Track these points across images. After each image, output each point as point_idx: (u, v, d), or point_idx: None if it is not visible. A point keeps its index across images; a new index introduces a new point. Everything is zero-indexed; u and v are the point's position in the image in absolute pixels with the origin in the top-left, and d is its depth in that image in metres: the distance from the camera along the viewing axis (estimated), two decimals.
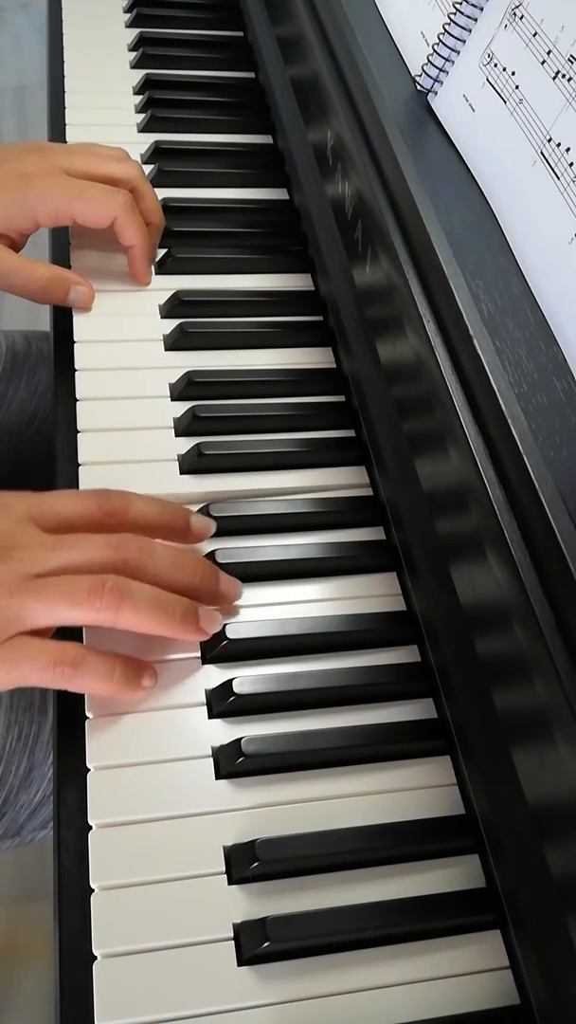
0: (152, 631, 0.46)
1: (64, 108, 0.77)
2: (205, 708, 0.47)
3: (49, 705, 0.58)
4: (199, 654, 0.49)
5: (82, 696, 0.47)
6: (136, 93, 0.80)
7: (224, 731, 0.47)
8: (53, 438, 0.58)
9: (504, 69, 0.52)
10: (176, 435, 0.58)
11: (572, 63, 0.47)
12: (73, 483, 0.55)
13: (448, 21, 0.56)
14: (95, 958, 0.40)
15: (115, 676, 0.45)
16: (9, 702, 0.58)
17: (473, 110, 0.54)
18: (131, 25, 0.87)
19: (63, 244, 0.68)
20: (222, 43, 0.86)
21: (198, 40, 0.86)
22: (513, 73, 0.51)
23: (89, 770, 0.45)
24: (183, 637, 0.47)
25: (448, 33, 0.56)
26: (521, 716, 0.39)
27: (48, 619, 0.44)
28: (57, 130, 0.76)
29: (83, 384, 0.59)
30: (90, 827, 0.43)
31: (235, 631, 0.49)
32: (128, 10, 0.89)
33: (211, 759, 0.46)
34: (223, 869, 0.43)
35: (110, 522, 0.47)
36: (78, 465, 0.55)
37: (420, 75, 0.58)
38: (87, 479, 0.55)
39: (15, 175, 0.59)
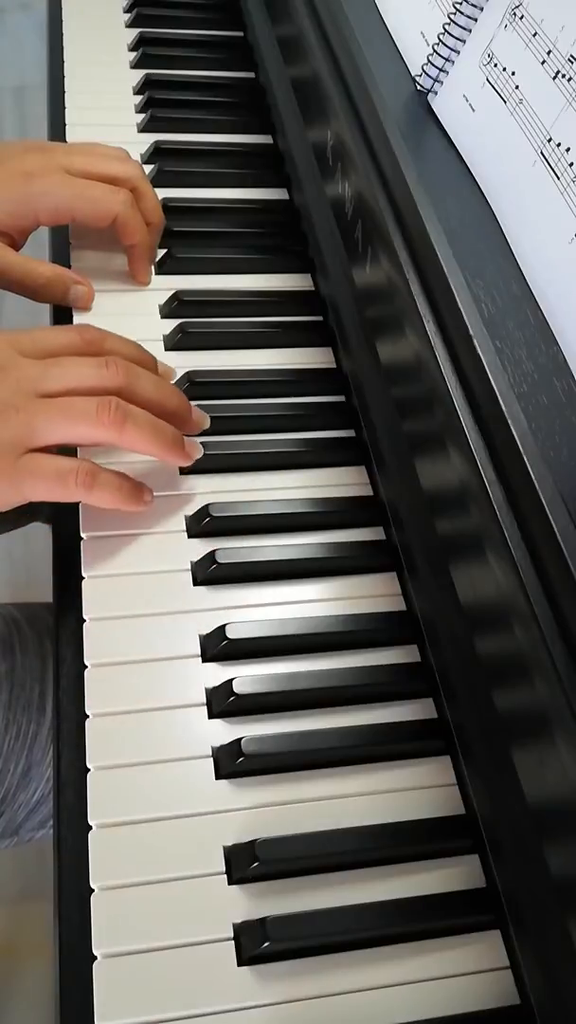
0: (148, 451, 0.51)
1: (64, 108, 0.77)
2: (205, 708, 0.47)
3: (47, 704, 0.58)
4: (199, 653, 0.49)
5: (82, 695, 0.47)
6: (136, 93, 0.80)
7: (224, 731, 0.47)
8: None
9: (504, 69, 0.52)
10: None
11: (572, 63, 0.47)
12: None
13: (448, 21, 0.56)
14: (95, 958, 0.40)
15: (124, 489, 0.50)
16: (7, 700, 0.58)
17: (473, 110, 0.54)
18: (131, 25, 0.87)
19: (63, 243, 0.68)
20: (222, 43, 0.86)
21: (198, 40, 0.86)
22: (513, 73, 0.51)
23: (89, 770, 0.45)
24: (172, 460, 0.53)
25: (448, 33, 0.56)
26: (521, 716, 0.39)
27: (58, 435, 0.48)
28: (57, 130, 0.76)
29: None
30: (90, 827, 0.43)
31: (235, 631, 0.49)
32: (128, 10, 0.89)
33: (211, 759, 0.46)
34: (223, 869, 0.43)
35: (90, 350, 0.52)
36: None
37: (420, 75, 0.58)
38: None
39: (16, 173, 0.59)
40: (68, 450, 0.52)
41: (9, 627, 0.61)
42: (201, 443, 0.56)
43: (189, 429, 0.54)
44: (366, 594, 0.52)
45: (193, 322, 0.63)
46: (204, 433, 0.57)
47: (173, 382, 0.60)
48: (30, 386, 0.49)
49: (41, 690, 0.59)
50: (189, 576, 0.52)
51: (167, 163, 0.73)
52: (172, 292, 0.65)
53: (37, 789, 0.60)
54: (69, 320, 0.63)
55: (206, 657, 0.49)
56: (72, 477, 0.48)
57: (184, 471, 0.56)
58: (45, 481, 0.48)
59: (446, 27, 0.56)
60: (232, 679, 0.47)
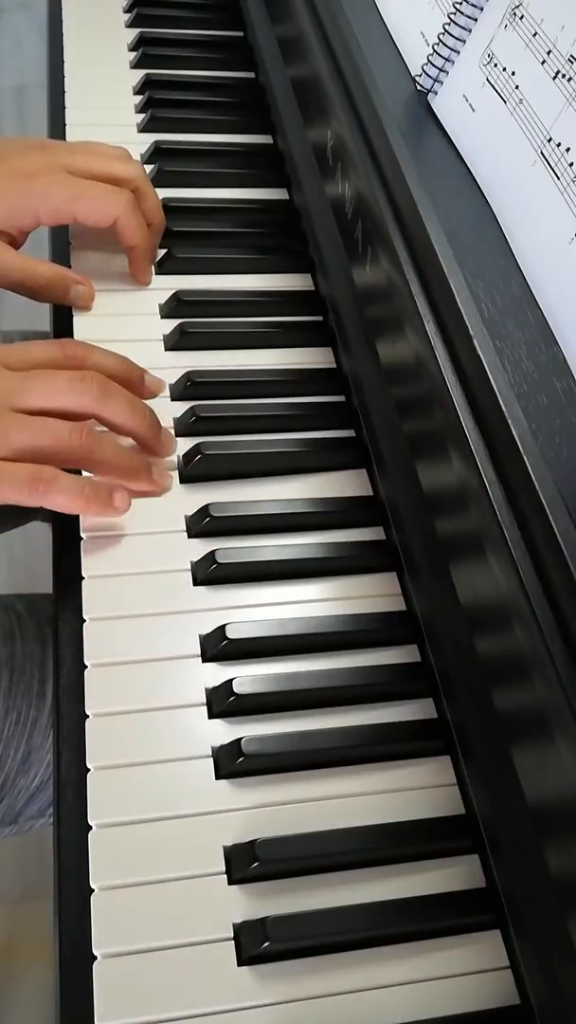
0: (116, 477, 0.52)
1: (64, 108, 0.77)
2: (205, 708, 0.47)
3: (48, 690, 0.58)
4: (199, 653, 0.49)
5: (82, 695, 0.47)
6: (136, 93, 0.80)
7: (224, 731, 0.47)
8: None
9: (504, 69, 0.52)
10: (176, 435, 0.58)
11: (572, 63, 0.47)
12: None
13: (448, 21, 0.56)
14: (95, 958, 0.40)
15: (85, 493, 0.50)
16: (8, 687, 0.58)
17: (473, 110, 0.54)
18: (131, 25, 0.87)
19: (63, 243, 0.68)
20: (222, 43, 0.86)
21: (198, 40, 0.86)
22: (513, 73, 0.51)
23: (89, 770, 0.45)
24: (137, 487, 0.53)
25: (448, 33, 0.56)
26: (521, 716, 0.39)
27: (29, 448, 0.49)
28: (57, 130, 0.76)
29: None
30: (90, 827, 0.43)
31: (235, 631, 0.49)
32: (128, 10, 0.89)
33: (211, 759, 0.46)
34: (223, 869, 0.43)
35: (70, 365, 0.53)
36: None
37: (420, 75, 0.58)
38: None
39: (17, 172, 0.59)
40: None
41: (9, 615, 0.61)
42: (201, 443, 0.56)
43: (155, 454, 0.55)
44: (366, 594, 0.52)
45: (193, 322, 0.63)
46: (205, 433, 0.57)
47: (173, 382, 0.60)
48: (5, 399, 0.50)
49: (41, 676, 0.59)
50: (189, 576, 0.52)
51: (167, 163, 0.73)
52: (172, 292, 0.65)
53: (37, 775, 0.60)
54: (69, 319, 0.63)
55: (206, 657, 0.49)
56: (27, 484, 0.49)
57: (184, 471, 0.56)
58: (4, 487, 0.48)
59: (446, 27, 0.56)
60: (232, 679, 0.47)
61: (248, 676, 0.48)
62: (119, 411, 0.53)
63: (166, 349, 0.63)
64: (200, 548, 0.53)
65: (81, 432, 0.50)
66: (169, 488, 0.55)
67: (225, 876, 0.42)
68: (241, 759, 0.45)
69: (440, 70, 0.57)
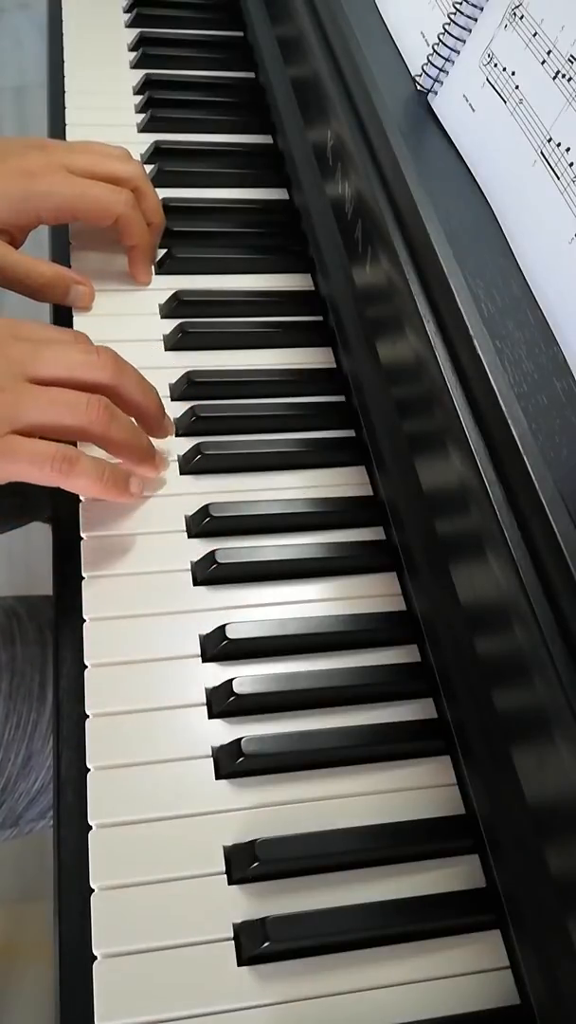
0: (123, 455, 0.52)
1: (64, 108, 0.77)
2: (205, 708, 0.47)
3: (48, 693, 0.58)
4: (199, 653, 0.49)
5: (82, 695, 0.47)
6: (136, 93, 0.80)
7: (224, 731, 0.47)
8: None
9: (504, 69, 0.52)
10: (176, 435, 0.58)
11: (572, 63, 0.47)
12: (74, 494, 0.55)
13: (448, 21, 0.56)
14: (95, 958, 0.40)
15: (104, 477, 0.49)
16: (8, 690, 0.58)
17: (473, 110, 0.54)
18: (131, 25, 0.87)
19: (63, 243, 0.68)
20: (222, 43, 0.86)
21: (198, 40, 0.86)
22: (513, 73, 0.51)
23: (89, 770, 0.45)
24: (142, 470, 0.53)
25: (448, 33, 0.56)
26: (521, 716, 0.39)
27: (42, 422, 0.48)
28: (57, 130, 0.76)
29: None
30: (90, 827, 0.43)
31: (235, 631, 0.49)
32: (128, 10, 0.89)
33: (211, 759, 0.46)
34: (223, 869, 0.43)
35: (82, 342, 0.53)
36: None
37: (420, 75, 0.58)
38: None
39: (18, 171, 0.59)
40: None
41: (9, 618, 0.61)
42: (201, 443, 0.56)
43: (159, 434, 0.55)
44: (366, 594, 0.52)
45: (193, 322, 0.63)
46: (205, 433, 0.57)
47: (173, 382, 0.60)
48: (20, 368, 0.49)
49: (41, 680, 0.59)
50: (189, 576, 0.52)
51: (167, 163, 0.73)
52: (172, 292, 0.65)
53: (37, 778, 0.60)
54: (69, 320, 0.63)
55: (206, 657, 0.49)
56: (48, 462, 0.48)
57: (184, 471, 0.56)
58: (19, 464, 0.47)
59: (446, 27, 0.56)
60: (232, 679, 0.47)
61: (248, 676, 0.48)
62: (132, 386, 0.52)
63: (166, 349, 0.63)
64: (200, 548, 0.53)
65: (99, 406, 0.49)
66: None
67: (225, 876, 0.42)
68: (241, 759, 0.45)
69: (440, 70, 0.57)
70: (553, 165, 0.47)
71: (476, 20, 0.55)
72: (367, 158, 0.54)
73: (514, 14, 0.52)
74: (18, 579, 1.41)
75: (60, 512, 0.55)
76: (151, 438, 0.55)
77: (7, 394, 0.48)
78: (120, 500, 0.52)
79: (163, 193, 0.69)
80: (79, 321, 0.63)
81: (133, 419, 0.53)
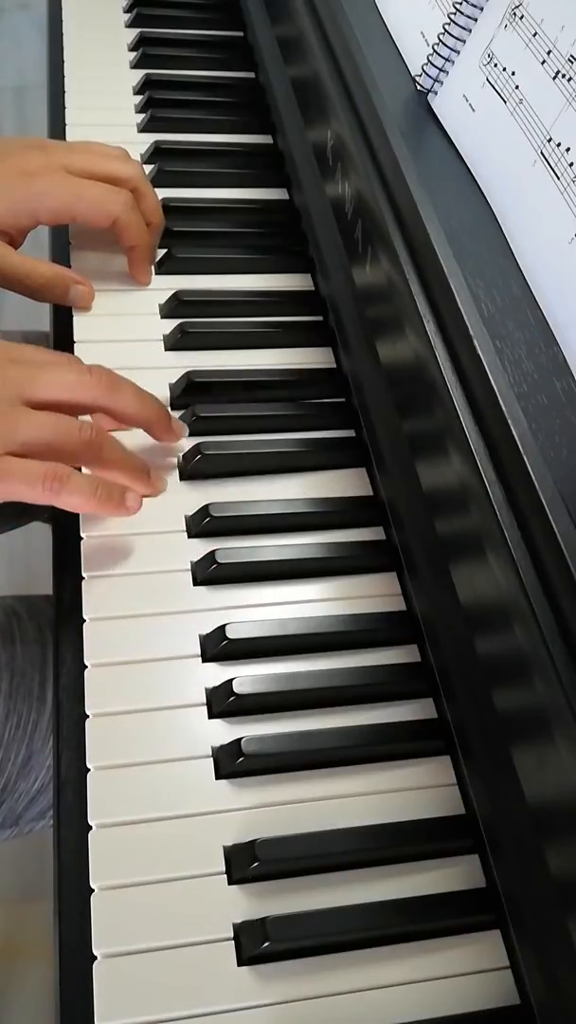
0: (120, 473, 0.52)
1: (64, 108, 0.77)
2: (205, 708, 0.47)
3: (48, 693, 0.58)
4: (199, 653, 0.49)
5: (82, 695, 0.47)
6: (136, 93, 0.80)
7: (224, 731, 0.47)
8: None
9: (504, 69, 0.52)
10: None
11: (572, 63, 0.47)
12: None
13: (448, 21, 0.56)
14: (95, 958, 0.40)
15: (97, 493, 0.49)
16: (8, 690, 0.58)
17: (473, 110, 0.54)
18: (131, 25, 0.87)
19: (63, 243, 0.68)
20: (222, 43, 0.86)
21: (198, 40, 0.86)
22: (513, 73, 0.51)
23: (89, 770, 0.45)
24: (138, 488, 0.52)
25: (448, 33, 0.56)
26: (521, 716, 0.39)
27: (38, 442, 0.49)
28: (57, 130, 0.76)
29: None
30: (90, 827, 0.43)
31: (235, 631, 0.49)
32: (128, 10, 0.89)
33: (211, 759, 0.46)
34: (223, 869, 0.43)
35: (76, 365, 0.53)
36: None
37: (420, 75, 0.58)
38: None
39: (17, 172, 0.59)
40: None
41: (9, 618, 0.61)
42: (201, 443, 0.56)
43: (169, 439, 0.56)
44: (366, 594, 0.52)
45: (193, 322, 0.63)
46: (205, 433, 0.57)
47: (173, 382, 0.60)
48: (16, 390, 0.49)
49: (41, 679, 0.59)
50: (189, 576, 0.52)
51: (167, 163, 0.73)
52: (172, 292, 0.65)
53: (37, 778, 0.60)
54: (69, 319, 0.63)
55: (206, 657, 0.49)
56: (40, 481, 0.48)
57: (184, 471, 0.56)
58: (13, 484, 0.48)
59: (446, 27, 0.56)
60: (232, 679, 0.47)
61: (248, 676, 0.48)
62: (129, 402, 0.52)
63: (166, 349, 0.63)
64: (200, 548, 0.53)
65: (92, 430, 0.50)
66: (165, 489, 0.55)
67: (225, 876, 0.42)
68: (241, 759, 0.45)
69: (440, 70, 0.57)
70: (553, 165, 0.47)
71: (476, 20, 0.55)
72: (367, 158, 0.54)
73: (514, 14, 0.52)
74: (18, 579, 1.41)
75: (60, 512, 0.55)
76: (163, 443, 0.56)
77: (4, 416, 0.48)
78: (117, 515, 0.52)
79: (163, 193, 0.69)
80: (79, 321, 0.63)
81: (141, 429, 0.54)
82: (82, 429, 0.50)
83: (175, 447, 0.57)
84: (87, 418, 0.52)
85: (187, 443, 0.57)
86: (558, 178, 0.47)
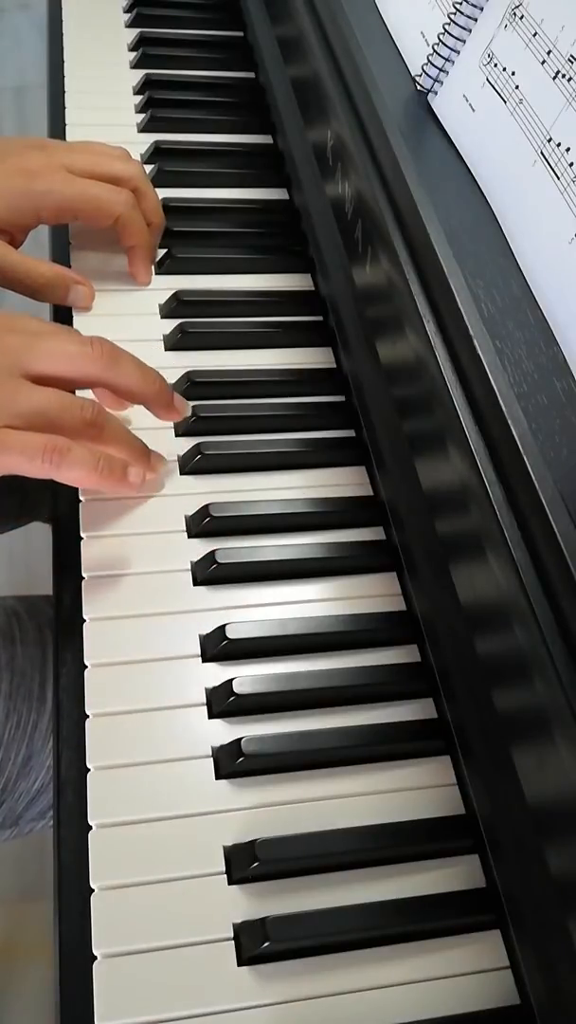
0: (121, 454, 0.51)
1: (64, 108, 0.77)
2: (205, 708, 0.47)
3: (48, 693, 0.58)
4: (199, 653, 0.49)
5: (82, 694, 0.47)
6: (136, 93, 0.80)
7: (224, 731, 0.47)
8: None
9: (504, 69, 0.52)
10: (176, 435, 0.58)
11: (572, 63, 0.47)
12: (74, 494, 0.55)
13: (448, 21, 0.56)
14: (95, 958, 0.40)
15: (99, 466, 0.49)
16: (8, 690, 0.58)
17: (473, 110, 0.54)
18: (131, 25, 0.87)
19: (63, 243, 0.68)
20: (222, 43, 0.86)
21: (198, 40, 0.86)
22: (513, 73, 0.51)
23: (89, 770, 0.45)
24: (139, 464, 0.52)
25: (448, 33, 0.56)
26: (521, 716, 0.39)
27: (36, 416, 0.47)
28: (57, 130, 0.76)
29: None
30: (90, 827, 0.43)
31: (235, 631, 0.49)
32: (128, 10, 0.89)
33: (211, 759, 0.46)
34: (223, 869, 0.43)
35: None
36: None
37: (420, 75, 0.58)
38: None
39: (18, 171, 0.59)
40: None
41: (9, 618, 0.61)
42: (201, 443, 0.56)
43: (171, 416, 0.55)
44: (366, 594, 0.52)
45: (193, 322, 0.63)
46: (205, 433, 0.57)
47: (173, 382, 0.60)
48: (15, 360, 0.48)
49: (41, 679, 0.59)
50: (189, 576, 0.52)
51: (167, 163, 0.73)
52: (172, 292, 0.65)
53: (37, 778, 0.60)
54: (69, 320, 0.63)
55: (206, 657, 0.49)
56: (40, 453, 0.47)
57: (184, 471, 0.56)
58: (12, 457, 0.47)
59: (446, 27, 0.56)
60: (232, 679, 0.47)
61: (248, 676, 0.48)
62: (130, 376, 0.52)
63: (166, 349, 0.63)
64: (200, 548, 0.53)
65: (93, 407, 0.49)
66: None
67: (225, 876, 0.42)
68: (241, 759, 0.45)
69: (440, 70, 0.57)
70: (553, 165, 0.47)
71: (476, 20, 0.55)
72: (367, 158, 0.54)
73: (514, 14, 0.52)
74: (18, 579, 1.41)
75: (60, 512, 0.55)
76: (166, 421, 0.55)
77: (2, 387, 0.47)
78: (119, 491, 0.51)
79: (163, 193, 0.69)
80: (79, 321, 0.63)
81: (141, 406, 0.53)
82: (84, 407, 0.49)
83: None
84: (89, 395, 0.52)
85: (187, 443, 0.57)
86: (558, 178, 0.47)
